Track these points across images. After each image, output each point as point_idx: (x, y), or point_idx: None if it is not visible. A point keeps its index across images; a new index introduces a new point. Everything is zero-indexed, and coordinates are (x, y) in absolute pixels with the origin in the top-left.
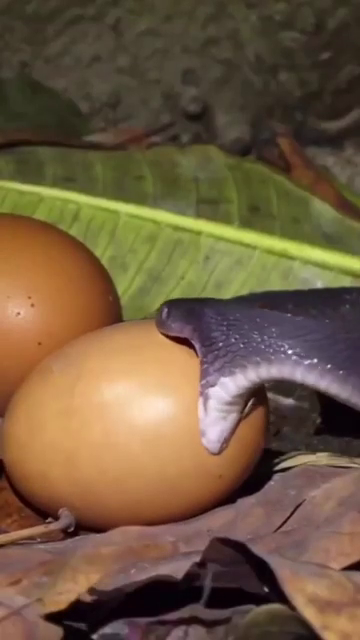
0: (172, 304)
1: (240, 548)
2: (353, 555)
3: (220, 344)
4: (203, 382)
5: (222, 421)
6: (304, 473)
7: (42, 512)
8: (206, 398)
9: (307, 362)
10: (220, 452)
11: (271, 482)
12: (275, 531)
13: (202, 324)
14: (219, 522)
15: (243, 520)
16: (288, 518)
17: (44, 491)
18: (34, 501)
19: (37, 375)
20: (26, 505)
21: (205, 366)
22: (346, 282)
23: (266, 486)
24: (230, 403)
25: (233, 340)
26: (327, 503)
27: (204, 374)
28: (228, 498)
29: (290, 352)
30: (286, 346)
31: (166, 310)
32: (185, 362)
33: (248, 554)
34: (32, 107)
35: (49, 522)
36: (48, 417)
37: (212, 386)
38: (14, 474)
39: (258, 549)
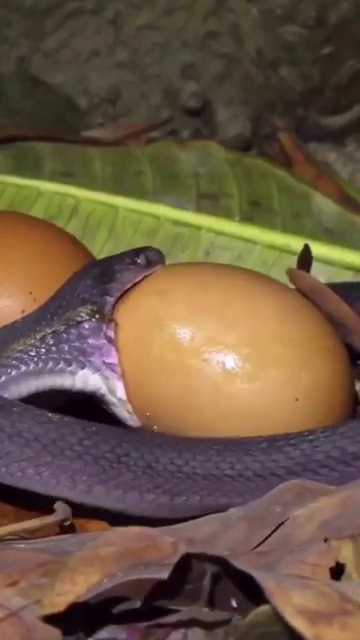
0: None
1: (220, 562)
2: None
3: None
4: None
5: None
6: (294, 488)
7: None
8: None
9: None
10: None
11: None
12: (252, 549)
13: None
14: (203, 532)
15: (225, 533)
16: (268, 537)
17: None
18: None
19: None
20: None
21: None
22: (348, 277)
23: (257, 500)
24: None
25: None
26: (308, 525)
27: None
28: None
29: None
30: None
31: None
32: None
33: (227, 568)
34: (30, 102)
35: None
36: None
37: None
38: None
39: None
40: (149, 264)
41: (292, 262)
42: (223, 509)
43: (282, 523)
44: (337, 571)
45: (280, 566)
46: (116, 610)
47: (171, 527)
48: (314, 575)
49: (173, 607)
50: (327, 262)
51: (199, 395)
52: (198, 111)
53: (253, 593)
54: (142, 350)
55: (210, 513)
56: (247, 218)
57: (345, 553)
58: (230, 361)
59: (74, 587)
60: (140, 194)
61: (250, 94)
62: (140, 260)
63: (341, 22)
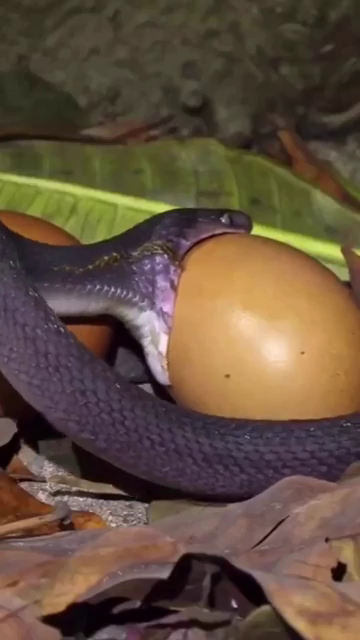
0: None
1: (220, 562)
2: None
3: None
4: None
5: None
6: (293, 485)
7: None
8: None
9: None
10: None
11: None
12: (252, 547)
13: None
14: (203, 529)
15: (225, 531)
16: (268, 535)
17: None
18: None
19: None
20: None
21: None
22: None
23: (256, 497)
24: None
25: None
26: (308, 523)
27: None
28: None
29: None
30: None
31: None
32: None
33: (227, 568)
34: (29, 100)
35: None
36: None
37: None
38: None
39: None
40: (232, 225)
41: None
42: None
43: (282, 521)
44: (338, 571)
45: (281, 566)
46: (116, 610)
47: (171, 526)
48: (315, 576)
49: (173, 607)
50: (327, 260)
51: (219, 361)
52: (198, 109)
53: (253, 593)
54: (190, 300)
55: None
56: None
57: (346, 553)
58: (263, 325)
59: (74, 587)
60: (139, 192)
61: (250, 92)
62: (224, 219)
63: (342, 20)
